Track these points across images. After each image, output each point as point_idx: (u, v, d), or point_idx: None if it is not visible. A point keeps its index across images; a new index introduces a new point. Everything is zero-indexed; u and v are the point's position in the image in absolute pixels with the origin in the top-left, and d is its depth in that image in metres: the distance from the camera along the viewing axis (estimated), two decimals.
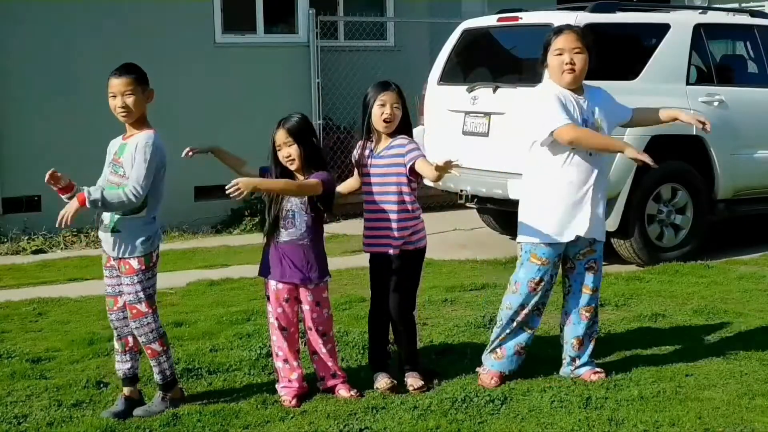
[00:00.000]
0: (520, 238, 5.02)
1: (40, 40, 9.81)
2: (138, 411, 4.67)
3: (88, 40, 9.90)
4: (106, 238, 4.67)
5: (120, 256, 4.63)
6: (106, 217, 4.65)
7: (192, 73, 10.50)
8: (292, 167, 4.75)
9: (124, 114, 4.60)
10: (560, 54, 4.87)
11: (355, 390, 4.86)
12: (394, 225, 4.88)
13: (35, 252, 9.27)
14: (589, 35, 5.01)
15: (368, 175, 4.94)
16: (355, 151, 5.05)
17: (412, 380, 4.95)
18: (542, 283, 4.95)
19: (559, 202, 4.90)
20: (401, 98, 4.89)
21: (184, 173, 10.13)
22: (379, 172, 4.90)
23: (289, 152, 4.72)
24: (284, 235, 4.75)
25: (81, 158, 9.67)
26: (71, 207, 4.47)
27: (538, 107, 4.93)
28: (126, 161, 4.60)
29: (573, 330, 5.07)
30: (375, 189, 4.92)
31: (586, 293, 5.04)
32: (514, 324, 5.02)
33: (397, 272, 4.93)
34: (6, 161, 9.79)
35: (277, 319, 4.82)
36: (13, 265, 8.74)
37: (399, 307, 4.97)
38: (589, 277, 5.03)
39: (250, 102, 10.76)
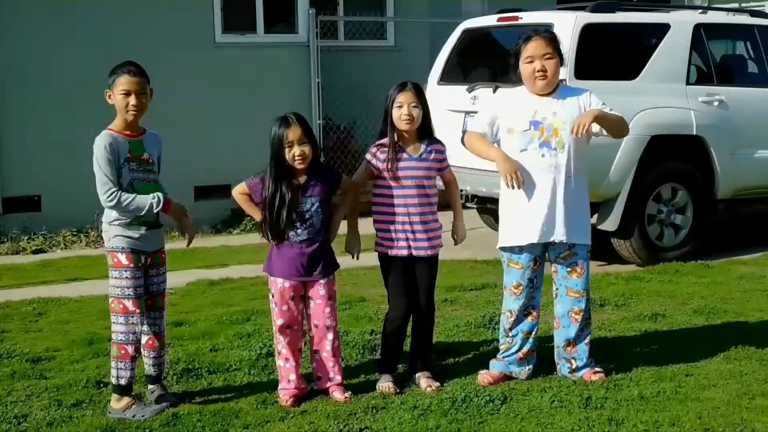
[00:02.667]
0: (498, 243, 5.13)
1: (40, 40, 9.80)
2: (158, 407, 4.68)
3: (87, 39, 9.89)
4: (152, 234, 4.70)
5: (160, 247, 4.77)
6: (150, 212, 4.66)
7: (192, 73, 10.50)
8: (302, 166, 4.73)
9: (135, 112, 4.61)
10: (531, 61, 4.91)
11: (349, 393, 4.85)
12: (433, 225, 5.01)
13: (35, 252, 9.26)
14: (557, 40, 5.02)
15: (408, 178, 4.90)
16: (376, 155, 4.92)
17: (427, 381, 4.96)
18: (522, 287, 5.02)
19: (515, 206, 4.99)
20: (419, 96, 4.91)
21: (184, 173, 10.15)
22: (421, 175, 4.92)
23: (303, 150, 4.70)
24: (302, 235, 4.75)
25: (81, 158, 9.67)
26: (190, 224, 4.76)
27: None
28: (155, 158, 4.74)
29: (564, 333, 5.07)
30: (413, 192, 4.90)
31: (572, 296, 5.03)
32: (507, 329, 5.09)
33: (431, 271, 5.04)
34: (6, 161, 9.78)
35: (281, 317, 4.80)
36: (13, 265, 8.74)
37: (431, 306, 5.07)
38: (572, 281, 5.02)
39: (250, 102, 10.76)
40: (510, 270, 5.06)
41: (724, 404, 4.62)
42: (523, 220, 4.97)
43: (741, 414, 4.51)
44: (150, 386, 4.87)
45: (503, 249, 5.08)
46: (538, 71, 4.89)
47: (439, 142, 5.07)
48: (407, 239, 4.94)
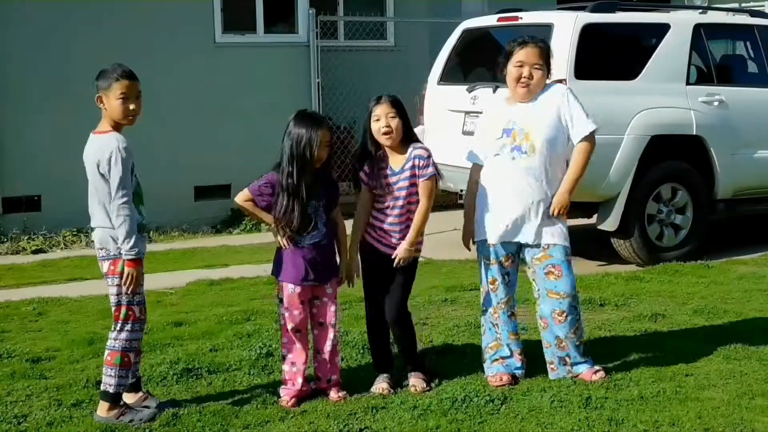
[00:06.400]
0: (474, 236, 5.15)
1: (40, 40, 9.81)
2: (150, 412, 4.66)
3: (88, 39, 9.89)
4: (143, 238, 4.59)
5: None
6: (141, 214, 4.57)
7: (192, 73, 10.50)
8: (317, 167, 4.74)
9: (132, 118, 4.50)
10: (520, 66, 4.94)
11: (344, 392, 4.86)
12: (400, 235, 4.89)
13: (35, 252, 9.27)
14: (550, 53, 5.04)
15: (390, 192, 4.84)
16: (364, 169, 4.88)
17: (415, 381, 4.96)
18: (497, 283, 5.05)
19: (487, 204, 5.03)
20: (395, 107, 4.82)
21: (184, 173, 10.17)
22: (402, 186, 4.85)
23: (323, 153, 4.70)
24: (309, 238, 4.74)
25: (81, 158, 9.66)
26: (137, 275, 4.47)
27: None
28: None
29: (550, 332, 5.05)
30: (400, 203, 4.86)
31: (553, 297, 5.00)
32: (492, 326, 5.12)
33: (405, 277, 4.94)
34: (6, 161, 9.79)
35: (292, 321, 4.79)
36: (13, 265, 8.74)
37: (399, 309, 4.97)
38: (551, 282, 4.99)
39: (250, 102, 10.77)
40: (483, 265, 5.10)
41: (724, 404, 4.62)
42: (491, 219, 5.00)
43: (741, 414, 4.51)
44: (140, 393, 4.77)
45: (478, 242, 5.09)
46: (524, 77, 4.93)
47: (421, 147, 4.93)
48: (388, 244, 4.90)
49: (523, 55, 4.94)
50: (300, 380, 4.81)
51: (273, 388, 4.93)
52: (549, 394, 4.78)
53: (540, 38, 5.13)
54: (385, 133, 4.81)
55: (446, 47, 9.08)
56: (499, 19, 8.70)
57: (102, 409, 4.59)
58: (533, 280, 5.08)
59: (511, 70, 4.97)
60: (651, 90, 8.00)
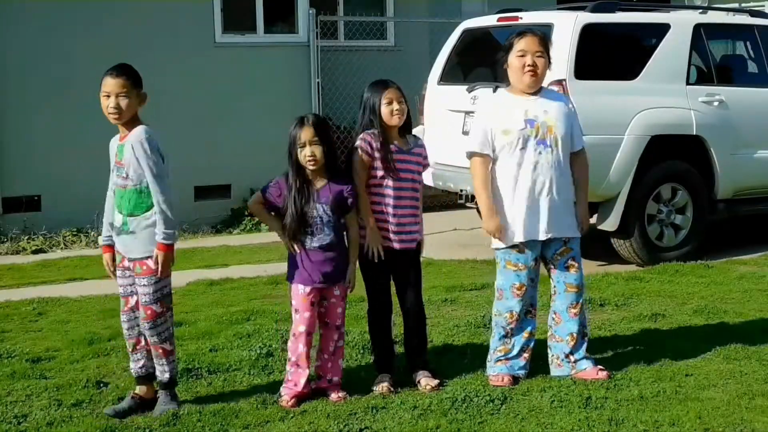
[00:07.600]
0: (493, 244, 5.12)
1: (40, 39, 9.81)
2: (156, 412, 4.65)
3: (88, 39, 9.90)
4: (120, 240, 4.64)
5: (136, 257, 4.59)
6: (117, 218, 4.63)
7: (192, 73, 10.50)
8: (313, 167, 4.71)
9: (115, 115, 4.51)
10: (523, 56, 4.95)
11: (344, 393, 4.86)
12: (418, 219, 5.05)
13: (35, 252, 9.27)
14: (549, 42, 5.08)
15: (400, 170, 4.94)
16: (370, 143, 4.88)
17: (427, 380, 4.96)
18: (525, 288, 5.03)
19: (513, 206, 5.01)
20: (402, 93, 4.98)
21: (184, 173, 10.15)
22: (412, 168, 5.01)
23: (313, 151, 4.68)
24: (314, 241, 4.75)
25: (81, 158, 9.68)
26: (166, 260, 4.56)
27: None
28: (128, 163, 4.55)
29: (565, 328, 5.08)
30: (408, 185, 4.98)
31: (571, 292, 5.06)
32: (508, 330, 5.08)
33: (416, 266, 5.06)
34: (6, 161, 9.79)
35: (303, 324, 4.79)
36: (13, 265, 8.74)
37: (420, 302, 5.08)
38: (570, 276, 5.05)
39: (250, 102, 10.77)
40: (508, 271, 5.04)
41: (724, 404, 4.62)
42: (523, 218, 4.97)
43: (741, 414, 4.51)
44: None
45: (499, 249, 5.08)
46: (529, 65, 4.93)
47: (420, 138, 5.18)
48: (398, 232, 4.96)
49: (524, 44, 4.95)
50: (302, 381, 4.81)
51: (273, 388, 4.93)
52: (549, 394, 4.78)
53: (537, 29, 5.17)
54: (399, 116, 4.91)
55: (446, 47, 9.08)
56: (499, 19, 8.70)
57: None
58: (551, 276, 5.11)
59: (514, 61, 4.97)
60: (651, 90, 8.00)
